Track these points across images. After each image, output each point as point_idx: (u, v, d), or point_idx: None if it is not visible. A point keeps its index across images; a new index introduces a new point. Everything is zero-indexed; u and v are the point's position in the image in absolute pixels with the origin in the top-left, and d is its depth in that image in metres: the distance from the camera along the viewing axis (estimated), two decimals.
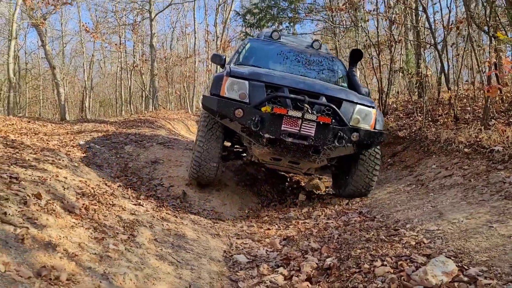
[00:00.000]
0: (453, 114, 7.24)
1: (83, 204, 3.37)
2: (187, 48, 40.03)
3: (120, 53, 38.25)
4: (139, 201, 4.31)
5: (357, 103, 4.70)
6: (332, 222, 4.31)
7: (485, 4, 6.06)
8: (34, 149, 4.83)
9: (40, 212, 2.72)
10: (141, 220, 3.69)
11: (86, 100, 34.75)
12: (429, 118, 8.01)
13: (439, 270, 2.51)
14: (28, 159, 4.13)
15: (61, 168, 4.27)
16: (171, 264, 3.05)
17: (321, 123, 4.36)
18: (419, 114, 9.00)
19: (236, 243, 4.01)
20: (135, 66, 36.85)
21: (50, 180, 3.58)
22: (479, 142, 5.04)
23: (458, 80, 7.95)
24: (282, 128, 4.36)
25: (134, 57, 36.61)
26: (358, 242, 3.40)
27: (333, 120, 4.43)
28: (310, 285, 2.93)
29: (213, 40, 31.38)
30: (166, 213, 4.26)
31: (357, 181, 5.02)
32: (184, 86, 32.70)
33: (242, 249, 3.84)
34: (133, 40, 33.71)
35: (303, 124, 4.34)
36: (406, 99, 12.76)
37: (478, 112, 7.82)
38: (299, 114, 4.30)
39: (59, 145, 6.20)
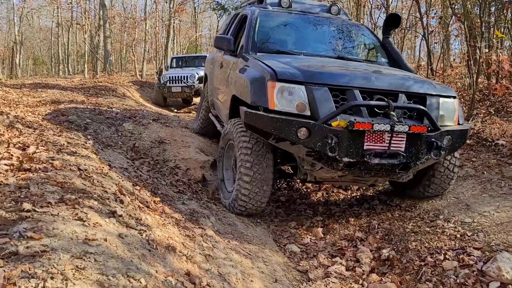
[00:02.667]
0: None
1: (150, 197, 3.34)
2: (134, 8, 38.08)
3: (57, 7, 35.51)
4: (178, 188, 4.30)
5: (440, 96, 3.76)
6: (359, 209, 4.60)
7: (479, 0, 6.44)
8: (53, 130, 4.58)
9: (136, 210, 2.70)
10: (196, 210, 3.72)
11: (16, 57, 32.19)
12: None
13: (508, 266, 2.86)
14: (64, 144, 3.94)
15: (96, 153, 4.13)
16: (246, 257, 3.16)
17: (414, 133, 3.46)
18: None
19: (277, 230, 4.17)
20: (76, 23, 34.41)
21: (105, 170, 3.48)
22: (478, 134, 5.53)
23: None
24: (365, 147, 3.39)
25: (72, 12, 34.21)
26: (405, 234, 3.71)
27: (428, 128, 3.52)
28: (378, 276, 3.19)
29: (166, 2, 30.11)
30: (206, 200, 4.29)
31: (437, 183, 4.19)
32: (132, 49, 31.20)
33: (287, 237, 4.01)
34: None
35: (392, 139, 3.42)
36: None
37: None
38: (387, 127, 3.32)
39: (56, 122, 5.88)
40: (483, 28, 6.42)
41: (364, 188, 5.21)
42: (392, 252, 3.45)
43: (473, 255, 3.17)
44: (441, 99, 3.76)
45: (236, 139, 3.90)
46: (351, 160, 3.41)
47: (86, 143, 4.41)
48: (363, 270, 3.31)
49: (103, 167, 3.49)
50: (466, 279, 2.85)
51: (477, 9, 6.77)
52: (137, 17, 30.35)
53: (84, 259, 1.63)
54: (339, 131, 3.34)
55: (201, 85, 13.14)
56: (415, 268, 3.17)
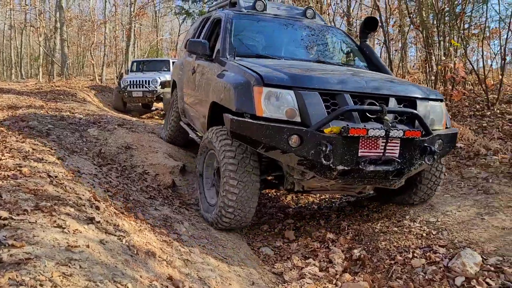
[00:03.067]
0: None
1: (123, 203, 3.29)
2: (92, 10, 37.17)
3: (10, 9, 34.16)
4: (149, 194, 4.24)
5: (428, 99, 3.68)
6: (328, 212, 4.71)
7: (435, 11, 6.77)
8: (16, 137, 4.41)
9: (112, 217, 2.65)
10: (169, 216, 3.69)
11: None
12: None
13: (471, 261, 3.03)
14: (29, 150, 3.81)
15: (63, 160, 4.01)
16: (222, 261, 3.17)
17: (408, 138, 3.34)
18: None
19: (250, 233, 4.21)
20: (30, 26, 33.12)
21: (76, 176, 3.39)
22: None
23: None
24: (360, 153, 3.25)
25: (25, 14, 32.98)
26: (374, 234, 3.84)
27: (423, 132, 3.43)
28: (350, 276, 3.29)
29: (127, 6, 29.57)
30: (178, 205, 4.27)
31: (425, 189, 4.11)
32: (91, 53, 30.38)
33: (261, 240, 4.06)
34: None
35: (387, 145, 3.28)
36: None
37: None
38: (381, 132, 3.19)
39: (17, 128, 5.66)
40: (439, 37, 6.77)
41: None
42: (363, 252, 3.56)
43: (439, 253, 3.33)
44: (430, 103, 3.68)
45: (219, 149, 3.63)
46: (345, 168, 3.23)
47: (52, 149, 4.28)
48: (336, 270, 3.40)
49: (73, 174, 3.41)
50: (434, 275, 2.99)
51: (432, 19, 7.12)
52: (96, 20, 29.57)
53: (69, 266, 1.60)
54: (332, 138, 3.15)
55: (163, 90, 12.84)
56: (386, 266, 3.29)
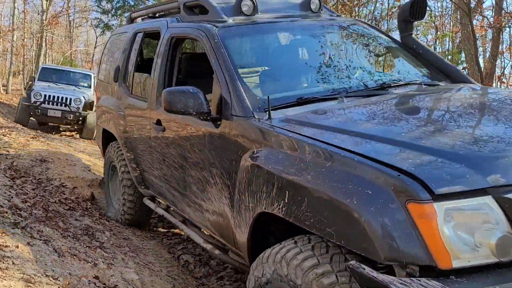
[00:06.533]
0: None
1: (43, 213, 3.32)
2: None
3: None
4: (68, 206, 4.24)
5: None
6: None
7: None
8: None
9: (35, 223, 2.71)
10: (90, 226, 3.76)
11: None
12: None
13: None
14: None
15: None
16: (144, 267, 3.33)
17: None
18: None
19: (170, 243, 4.38)
20: None
21: None
22: None
23: None
24: None
25: None
26: None
27: None
28: None
29: (38, 14, 27.96)
30: (99, 217, 4.31)
31: None
32: None
33: (181, 249, 4.24)
34: None
35: None
36: None
37: None
38: None
39: None
40: None
41: None
42: None
43: None
44: None
45: None
46: None
47: None
48: None
49: None
50: None
51: None
52: (2, 26, 27.57)
53: (3, 262, 1.72)
54: None
55: (87, 113, 10.41)
56: None
